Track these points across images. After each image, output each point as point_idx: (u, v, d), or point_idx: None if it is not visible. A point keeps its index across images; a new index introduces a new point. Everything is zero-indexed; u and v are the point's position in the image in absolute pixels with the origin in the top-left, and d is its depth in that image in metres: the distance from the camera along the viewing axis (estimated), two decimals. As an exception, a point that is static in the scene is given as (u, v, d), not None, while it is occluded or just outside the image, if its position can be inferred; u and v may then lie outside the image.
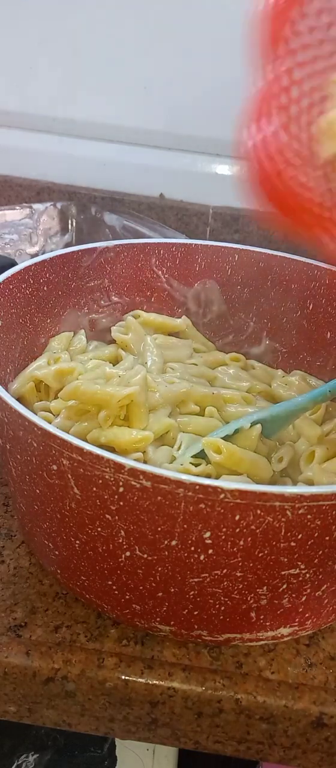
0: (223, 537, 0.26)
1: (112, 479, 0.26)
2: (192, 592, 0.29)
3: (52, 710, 0.32)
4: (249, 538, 0.26)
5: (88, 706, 0.32)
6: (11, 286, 0.40)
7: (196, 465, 0.35)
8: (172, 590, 0.29)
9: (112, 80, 0.74)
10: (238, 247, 0.50)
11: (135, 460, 0.29)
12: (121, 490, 0.26)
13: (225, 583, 0.28)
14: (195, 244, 0.50)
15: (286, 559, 0.28)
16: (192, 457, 0.35)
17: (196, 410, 0.40)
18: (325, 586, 0.30)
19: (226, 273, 0.51)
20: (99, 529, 0.28)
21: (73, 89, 0.75)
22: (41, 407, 0.39)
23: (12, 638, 0.31)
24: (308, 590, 0.30)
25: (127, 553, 0.28)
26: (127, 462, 0.25)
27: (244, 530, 0.26)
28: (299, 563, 0.28)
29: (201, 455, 0.35)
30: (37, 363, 0.42)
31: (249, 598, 0.29)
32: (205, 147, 0.77)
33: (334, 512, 0.26)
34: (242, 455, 0.35)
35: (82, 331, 0.46)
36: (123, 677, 0.30)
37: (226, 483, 0.25)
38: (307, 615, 0.31)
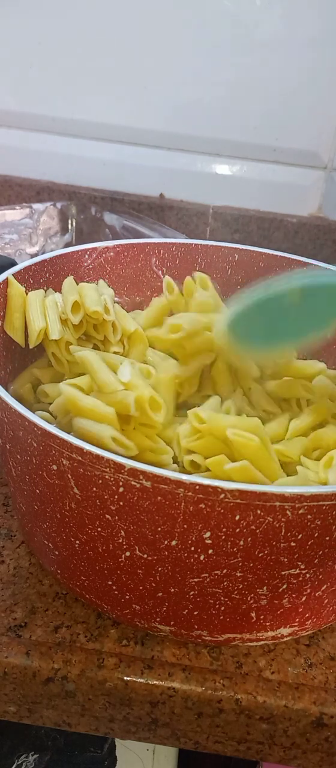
0: (223, 537, 0.26)
1: (112, 479, 0.26)
2: (192, 592, 0.29)
3: (52, 710, 0.32)
4: (249, 538, 0.26)
5: (88, 706, 0.32)
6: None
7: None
8: (172, 590, 0.29)
9: (112, 80, 0.74)
10: (238, 247, 0.51)
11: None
12: (121, 490, 0.26)
13: (225, 583, 0.28)
14: (195, 244, 0.50)
15: (286, 559, 0.27)
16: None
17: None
18: (325, 586, 0.30)
19: (226, 273, 0.51)
20: (99, 529, 0.28)
21: (73, 89, 0.75)
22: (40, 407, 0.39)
23: (12, 638, 0.31)
24: (308, 590, 0.30)
25: (127, 553, 0.28)
26: (127, 462, 0.25)
27: (244, 530, 0.26)
28: (299, 563, 0.28)
29: None
30: (37, 363, 0.42)
31: (249, 598, 0.29)
32: (205, 147, 0.77)
33: (334, 512, 0.26)
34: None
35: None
36: (123, 677, 0.30)
37: (226, 483, 0.25)
38: (307, 615, 0.31)
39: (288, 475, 0.34)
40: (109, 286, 0.46)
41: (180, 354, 0.40)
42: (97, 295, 0.41)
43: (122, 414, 0.33)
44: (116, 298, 0.48)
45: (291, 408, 0.42)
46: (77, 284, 0.42)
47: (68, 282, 0.42)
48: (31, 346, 0.39)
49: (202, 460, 0.33)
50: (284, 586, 0.29)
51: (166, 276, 0.44)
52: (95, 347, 0.42)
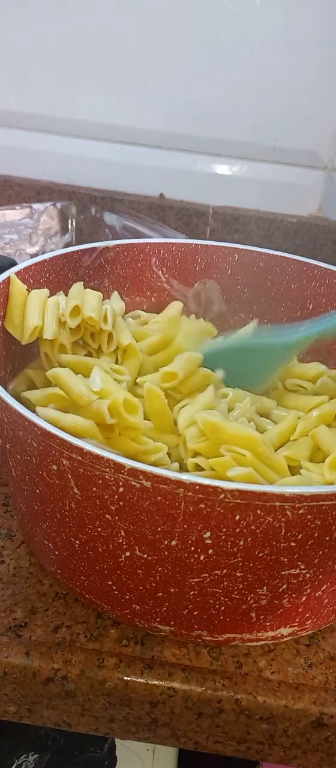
0: (223, 537, 0.26)
1: (112, 479, 0.26)
2: (192, 592, 0.29)
3: (52, 710, 0.32)
4: (249, 538, 0.26)
5: (88, 706, 0.32)
6: (11, 286, 0.40)
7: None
8: (172, 590, 0.29)
9: (112, 80, 0.74)
10: (238, 247, 0.51)
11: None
12: (121, 490, 0.26)
13: (225, 583, 0.28)
14: (195, 244, 0.50)
15: (286, 559, 0.27)
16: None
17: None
18: (325, 586, 0.30)
19: (226, 273, 0.51)
20: (99, 529, 0.28)
21: (73, 89, 0.75)
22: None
23: (12, 638, 0.31)
24: (308, 590, 0.30)
25: (127, 553, 0.28)
26: (127, 462, 0.25)
27: (244, 530, 0.26)
28: (299, 563, 0.28)
29: None
30: (32, 364, 0.42)
31: (249, 598, 0.29)
32: (205, 147, 0.77)
33: (334, 512, 0.26)
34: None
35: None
36: (123, 677, 0.30)
37: (226, 483, 0.25)
38: (307, 615, 0.31)
39: None
40: (121, 298, 0.46)
41: (177, 395, 0.40)
42: (97, 304, 0.41)
43: (103, 423, 0.33)
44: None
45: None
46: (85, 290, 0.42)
47: (76, 287, 0.42)
48: (23, 343, 0.39)
49: (206, 464, 0.33)
50: (284, 586, 0.29)
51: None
52: (89, 354, 0.42)
